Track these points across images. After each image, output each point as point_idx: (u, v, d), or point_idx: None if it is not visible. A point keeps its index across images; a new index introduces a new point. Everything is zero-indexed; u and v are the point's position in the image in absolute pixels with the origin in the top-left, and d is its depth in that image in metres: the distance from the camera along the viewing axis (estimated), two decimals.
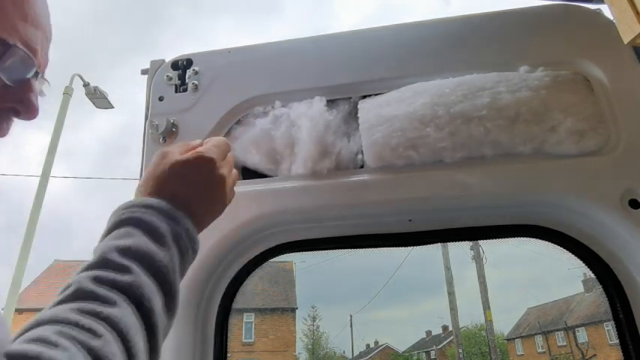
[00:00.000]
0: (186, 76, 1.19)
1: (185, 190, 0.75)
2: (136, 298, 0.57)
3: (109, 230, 0.66)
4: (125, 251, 0.61)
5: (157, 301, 0.60)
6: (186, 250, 0.71)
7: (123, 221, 0.66)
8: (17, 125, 0.67)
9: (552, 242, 1.04)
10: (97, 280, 0.57)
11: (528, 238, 1.06)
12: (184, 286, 1.00)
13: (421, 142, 0.99)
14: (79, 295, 0.55)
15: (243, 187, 1.07)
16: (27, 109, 0.64)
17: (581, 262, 1.02)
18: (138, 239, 0.63)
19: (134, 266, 0.60)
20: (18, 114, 0.65)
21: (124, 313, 0.54)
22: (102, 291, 0.55)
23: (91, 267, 0.59)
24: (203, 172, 0.77)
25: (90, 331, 0.49)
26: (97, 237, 0.67)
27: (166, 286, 0.63)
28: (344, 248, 1.15)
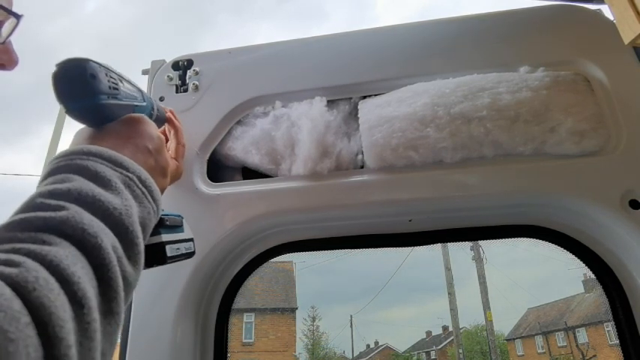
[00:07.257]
0: (187, 77, 1.19)
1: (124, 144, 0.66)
2: (75, 234, 0.43)
3: (43, 178, 0.53)
4: (61, 194, 0.48)
5: (107, 240, 0.46)
6: (142, 196, 0.58)
7: (60, 168, 0.53)
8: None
9: (552, 243, 1.04)
10: (21, 224, 0.43)
11: (528, 239, 1.06)
12: (184, 286, 1.01)
13: (421, 143, 0.99)
14: None
15: (243, 188, 1.08)
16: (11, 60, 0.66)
17: (581, 262, 1.02)
18: (78, 183, 0.50)
19: (72, 205, 0.46)
20: (3, 67, 0.66)
21: (57, 248, 0.41)
22: (26, 235, 0.42)
23: (15, 214, 0.45)
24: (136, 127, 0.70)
25: (4, 263, 0.37)
26: None
27: (120, 229, 0.49)
28: (344, 248, 1.15)
